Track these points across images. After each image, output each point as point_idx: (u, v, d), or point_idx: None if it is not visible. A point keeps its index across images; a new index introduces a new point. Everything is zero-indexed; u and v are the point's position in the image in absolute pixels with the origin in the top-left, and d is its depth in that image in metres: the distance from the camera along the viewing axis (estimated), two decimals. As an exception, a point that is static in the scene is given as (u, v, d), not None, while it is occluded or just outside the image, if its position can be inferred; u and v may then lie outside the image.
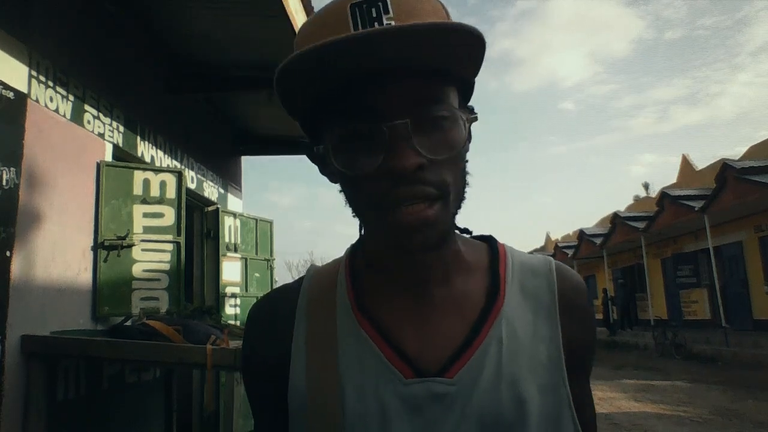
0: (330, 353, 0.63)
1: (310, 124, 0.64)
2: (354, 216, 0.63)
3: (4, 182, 2.55)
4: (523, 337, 0.63)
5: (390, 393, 0.60)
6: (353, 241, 0.74)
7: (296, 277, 0.79)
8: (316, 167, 0.68)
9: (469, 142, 0.63)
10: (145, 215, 3.59)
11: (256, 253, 5.64)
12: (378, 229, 0.60)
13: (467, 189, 0.62)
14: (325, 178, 0.66)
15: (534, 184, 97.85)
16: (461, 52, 0.56)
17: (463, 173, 0.62)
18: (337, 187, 0.64)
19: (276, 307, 0.71)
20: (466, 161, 0.63)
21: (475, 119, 0.62)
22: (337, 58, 0.53)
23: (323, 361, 0.63)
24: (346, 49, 0.52)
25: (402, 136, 0.55)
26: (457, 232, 0.69)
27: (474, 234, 0.74)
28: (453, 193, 0.59)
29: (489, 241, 0.73)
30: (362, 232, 0.69)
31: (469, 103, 0.66)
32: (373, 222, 0.61)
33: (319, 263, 0.82)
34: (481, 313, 0.64)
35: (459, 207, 0.62)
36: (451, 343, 0.62)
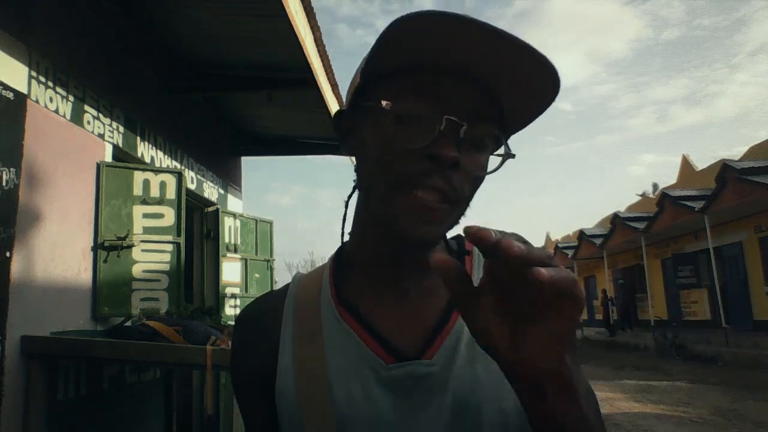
0: (316, 348, 0.66)
1: (374, 85, 0.62)
2: (361, 191, 0.65)
3: (3, 182, 2.55)
4: None
5: (374, 378, 0.63)
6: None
7: None
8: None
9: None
10: (145, 216, 3.59)
11: (256, 254, 5.64)
12: (389, 210, 0.60)
13: (465, 214, 0.65)
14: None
15: (533, 184, 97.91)
16: (536, 91, 0.58)
17: (472, 196, 0.63)
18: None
19: (263, 312, 0.73)
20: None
21: (511, 157, 0.63)
22: (452, 30, 0.54)
23: (310, 357, 0.66)
24: (463, 27, 0.53)
25: (454, 133, 0.57)
26: None
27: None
28: (461, 207, 0.62)
29: (457, 237, 0.77)
30: (343, 239, 0.73)
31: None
32: (384, 201, 0.61)
33: (318, 263, 0.83)
34: None
35: (456, 223, 0.64)
36: (426, 328, 0.66)
